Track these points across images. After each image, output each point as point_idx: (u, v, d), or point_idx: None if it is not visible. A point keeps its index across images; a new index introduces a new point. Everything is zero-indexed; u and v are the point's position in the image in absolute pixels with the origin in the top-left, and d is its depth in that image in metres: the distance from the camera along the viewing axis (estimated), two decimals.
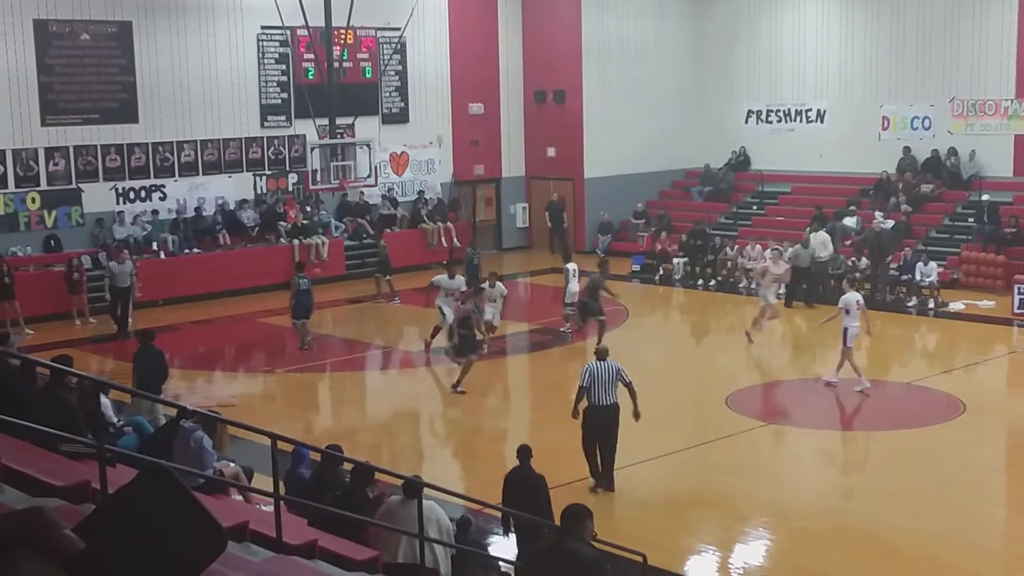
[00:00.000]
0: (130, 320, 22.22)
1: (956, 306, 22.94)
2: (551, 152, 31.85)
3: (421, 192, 30.15)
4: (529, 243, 32.44)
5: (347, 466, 10.39)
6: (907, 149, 28.45)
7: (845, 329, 17.13)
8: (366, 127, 28.04)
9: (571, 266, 21.82)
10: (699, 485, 13.70)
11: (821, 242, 24.78)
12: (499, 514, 11.34)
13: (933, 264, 23.96)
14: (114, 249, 23.55)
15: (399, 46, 28.96)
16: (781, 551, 11.63)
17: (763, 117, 31.60)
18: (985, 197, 26.54)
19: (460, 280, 20.11)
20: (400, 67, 29.61)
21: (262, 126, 27.42)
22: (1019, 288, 22.15)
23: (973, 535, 12.08)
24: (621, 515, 12.15)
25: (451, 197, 30.78)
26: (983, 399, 16.59)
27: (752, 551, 11.76)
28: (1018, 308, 21.90)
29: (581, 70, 30.85)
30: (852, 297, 17.52)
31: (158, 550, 2.69)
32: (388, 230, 28.68)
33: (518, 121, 32.22)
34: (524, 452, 10.81)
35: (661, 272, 27.69)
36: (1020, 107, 26.74)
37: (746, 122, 31.90)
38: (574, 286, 21.48)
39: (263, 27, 26.95)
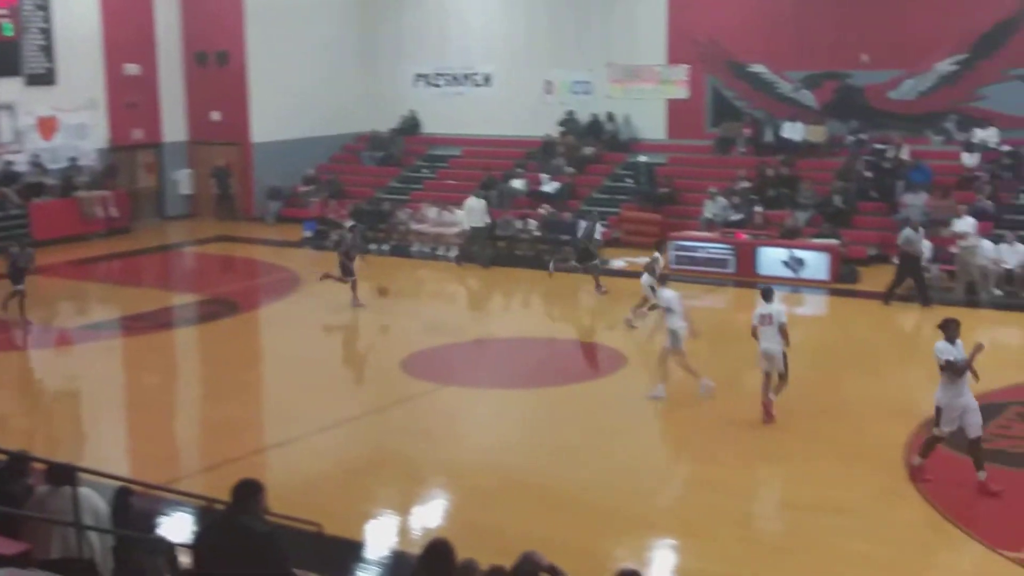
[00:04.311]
0: None
1: (617, 264, 23.96)
2: (215, 116, 30.70)
3: (74, 159, 28.24)
4: (195, 211, 31.20)
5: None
6: (570, 112, 29.41)
7: (672, 331, 14.88)
8: (8, 89, 26.02)
9: (659, 256, 19.31)
10: (376, 451, 13.58)
11: (474, 209, 25.11)
12: (165, 494, 10.80)
13: (597, 224, 24.86)
14: None
15: (43, 2, 26.92)
16: (457, 509, 11.69)
17: (432, 81, 31.78)
18: (642, 159, 27.87)
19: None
20: (45, 24, 27.50)
21: None
22: (674, 244, 23.41)
23: (638, 480, 12.59)
24: (297, 486, 11.81)
25: (108, 164, 29.04)
26: (643, 351, 17.36)
27: (429, 511, 11.76)
28: (675, 263, 23.12)
29: (243, 31, 29.86)
30: (673, 295, 15.06)
31: None
32: (37, 199, 26.71)
33: (178, 83, 30.80)
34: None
35: (334, 238, 27.28)
36: (671, 73, 28.22)
37: (415, 86, 31.99)
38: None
39: None
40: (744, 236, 23.18)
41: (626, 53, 28.69)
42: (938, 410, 11.67)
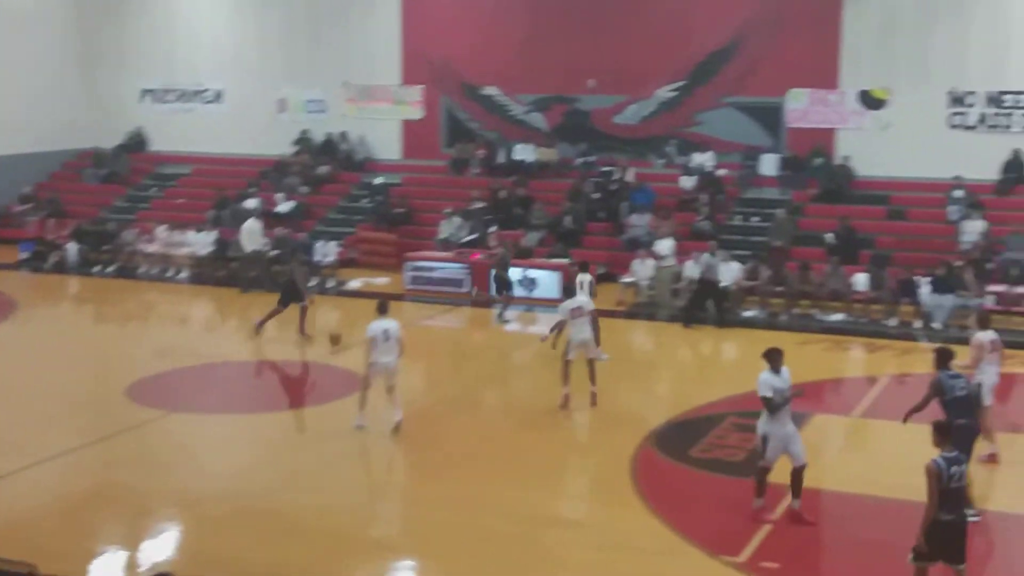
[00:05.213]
0: None
1: (354, 284, 23.82)
2: None
3: None
4: None
5: None
6: (304, 131, 29.10)
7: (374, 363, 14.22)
8: None
9: (585, 277, 18.32)
10: (99, 483, 12.91)
11: (253, 231, 24.14)
12: None
13: (332, 244, 24.72)
14: None
15: None
16: (188, 540, 11.25)
17: (159, 96, 30.76)
18: (379, 179, 27.85)
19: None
20: None
21: None
22: (409, 265, 23.49)
23: (375, 503, 12.52)
24: (9, 524, 11.08)
25: None
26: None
27: (157, 544, 11.26)
28: (410, 284, 23.21)
29: None
30: (377, 327, 14.46)
31: None
32: None
33: None
34: None
35: (54, 259, 25.92)
36: (406, 93, 28.38)
37: (141, 101, 30.88)
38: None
39: None
40: (479, 256, 23.52)
41: (361, 73, 28.65)
42: (764, 440, 11.33)
